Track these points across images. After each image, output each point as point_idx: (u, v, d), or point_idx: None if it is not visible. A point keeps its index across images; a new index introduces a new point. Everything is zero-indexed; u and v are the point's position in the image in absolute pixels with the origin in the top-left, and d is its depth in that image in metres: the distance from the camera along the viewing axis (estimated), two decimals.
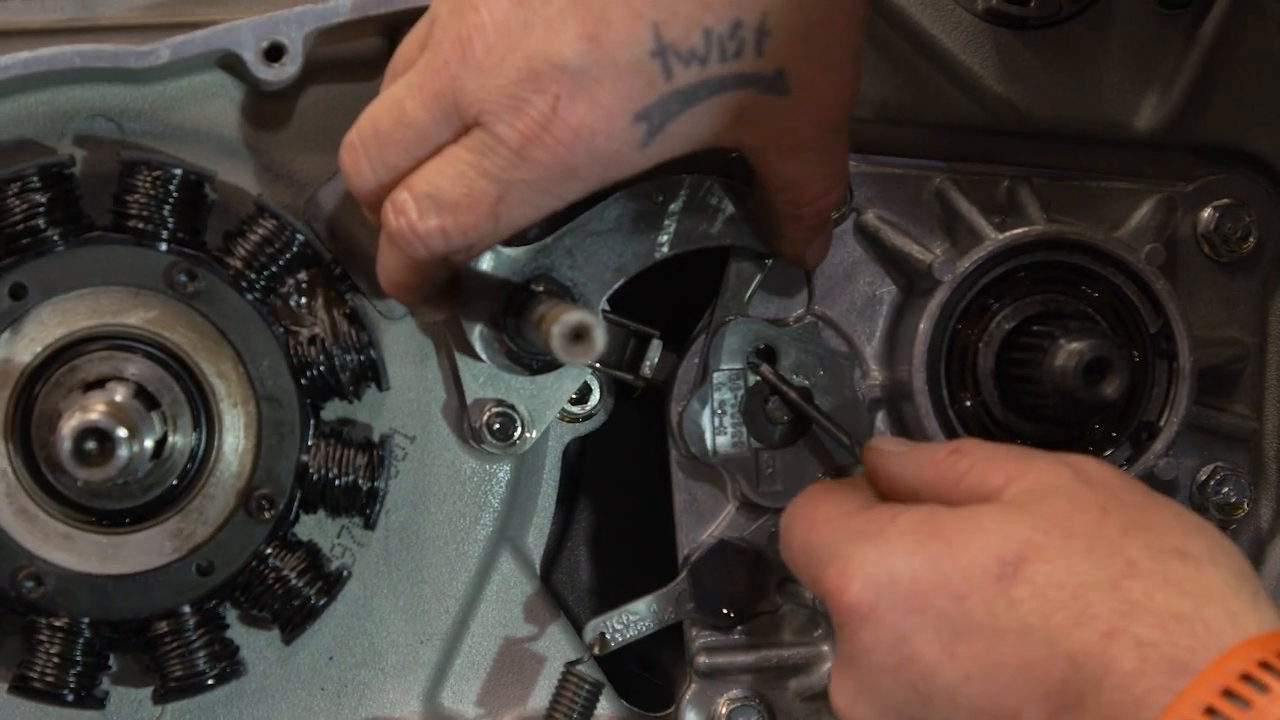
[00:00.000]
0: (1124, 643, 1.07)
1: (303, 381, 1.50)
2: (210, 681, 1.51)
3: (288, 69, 1.47)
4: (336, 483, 1.51)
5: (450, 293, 1.47)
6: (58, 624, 1.47)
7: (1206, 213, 1.62)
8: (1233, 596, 1.11)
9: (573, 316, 1.23)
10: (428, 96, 1.29)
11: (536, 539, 1.65)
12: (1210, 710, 1.03)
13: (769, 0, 1.27)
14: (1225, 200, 1.62)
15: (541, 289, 1.46)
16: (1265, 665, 1.04)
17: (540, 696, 1.60)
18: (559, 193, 1.31)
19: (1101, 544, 1.13)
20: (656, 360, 1.54)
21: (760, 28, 1.28)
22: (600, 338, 1.23)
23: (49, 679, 1.47)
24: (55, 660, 1.47)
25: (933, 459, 1.29)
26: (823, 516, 1.27)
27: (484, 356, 1.50)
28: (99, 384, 1.44)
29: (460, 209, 1.30)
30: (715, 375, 1.54)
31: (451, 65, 1.27)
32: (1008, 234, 1.53)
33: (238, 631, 1.55)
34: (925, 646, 1.14)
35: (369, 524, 1.54)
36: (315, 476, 1.51)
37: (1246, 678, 1.04)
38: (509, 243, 1.46)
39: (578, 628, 1.60)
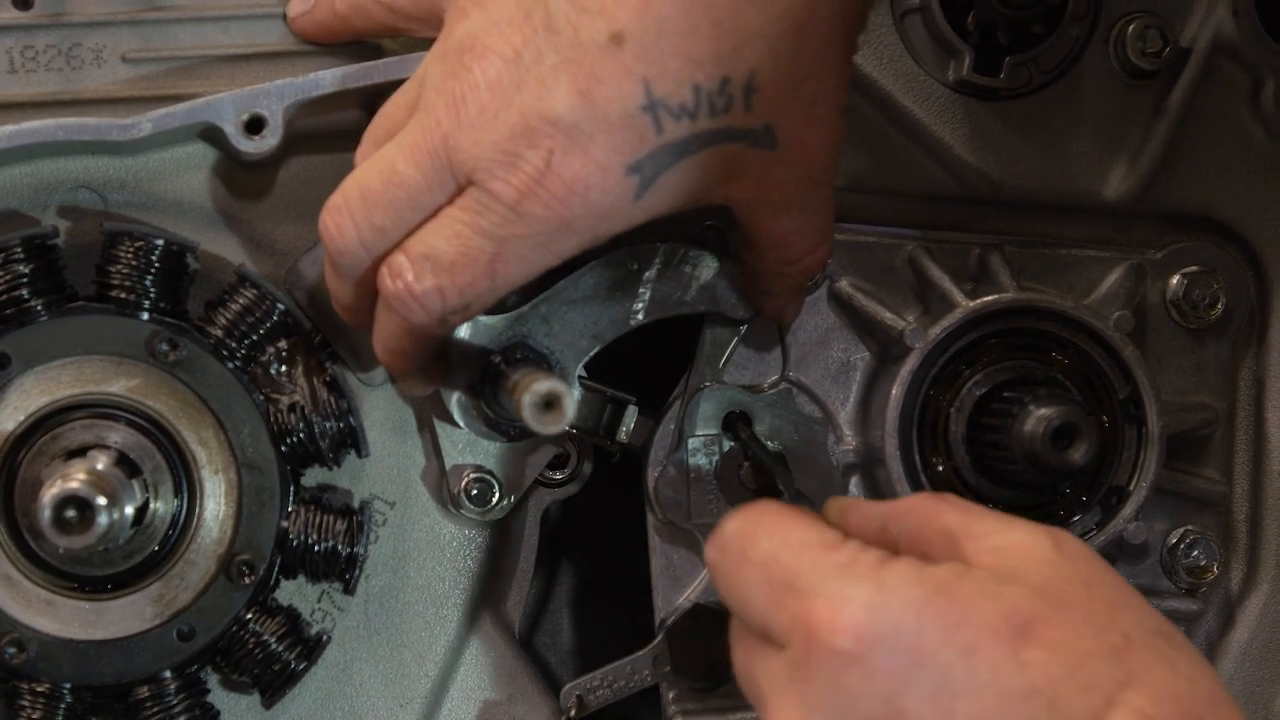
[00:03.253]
0: (1123, 713, 1.07)
1: (283, 448, 1.51)
2: None
3: (268, 141, 1.49)
4: (316, 548, 1.52)
5: (442, 362, 1.48)
6: (40, 689, 1.48)
7: (1175, 279, 1.63)
8: (1211, 681, 1.12)
9: (543, 385, 1.24)
10: (420, 155, 1.31)
11: (516, 603, 1.65)
12: None
13: (757, 57, 1.29)
14: (1193, 267, 1.64)
15: (518, 357, 1.48)
16: None
17: None
18: (555, 248, 1.32)
19: (1096, 616, 1.12)
20: (632, 426, 1.55)
21: (748, 84, 1.29)
22: (570, 406, 1.25)
23: None
24: None
25: (907, 499, 1.28)
26: (799, 538, 1.20)
27: (461, 423, 1.51)
28: (81, 452, 1.46)
29: (457, 268, 1.31)
30: (690, 441, 1.56)
31: (444, 124, 1.29)
32: (979, 301, 1.55)
33: (218, 696, 1.56)
34: (921, 703, 1.10)
35: (349, 589, 1.55)
36: (295, 542, 1.52)
37: None
38: (487, 310, 1.48)
39: (559, 690, 1.61)
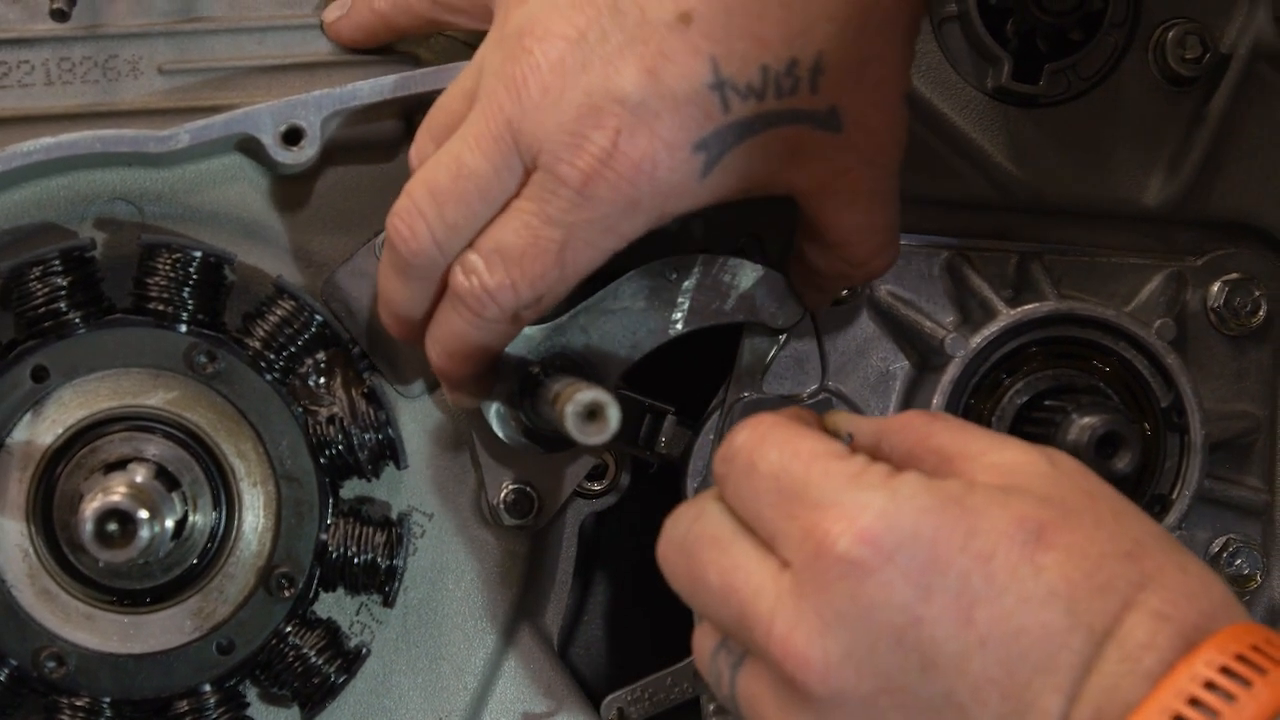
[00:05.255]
0: (1140, 615, 1.06)
1: (321, 460, 1.51)
2: None
3: (306, 152, 1.48)
4: (355, 561, 1.52)
5: (494, 372, 1.47)
6: (79, 704, 1.48)
7: (1216, 287, 1.63)
8: (1221, 585, 1.11)
9: (586, 395, 1.24)
10: (486, 143, 1.30)
11: (554, 615, 1.65)
12: (1209, 685, 1.02)
13: (824, 39, 1.30)
14: (1234, 275, 1.63)
15: (557, 366, 1.47)
16: (1258, 649, 1.04)
17: None
18: (622, 230, 1.32)
19: (1105, 522, 1.11)
20: (671, 436, 1.55)
21: (815, 65, 1.30)
22: (614, 416, 1.24)
23: None
24: None
25: (900, 416, 1.26)
26: (808, 449, 1.18)
27: (501, 434, 1.50)
28: (120, 465, 1.46)
29: (526, 259, 1.31)
30: None
31: (506, 108, 1.29)
32: (1020, 310, 1.54)
33: (258, 709, 1.56)
34: (941, 610, 1.08)
35: (388, 601, 1.54)
36: (334, 555, 1.51)
37: (1242, 659, 1.03)
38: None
39: (595, 702, 1.60)
